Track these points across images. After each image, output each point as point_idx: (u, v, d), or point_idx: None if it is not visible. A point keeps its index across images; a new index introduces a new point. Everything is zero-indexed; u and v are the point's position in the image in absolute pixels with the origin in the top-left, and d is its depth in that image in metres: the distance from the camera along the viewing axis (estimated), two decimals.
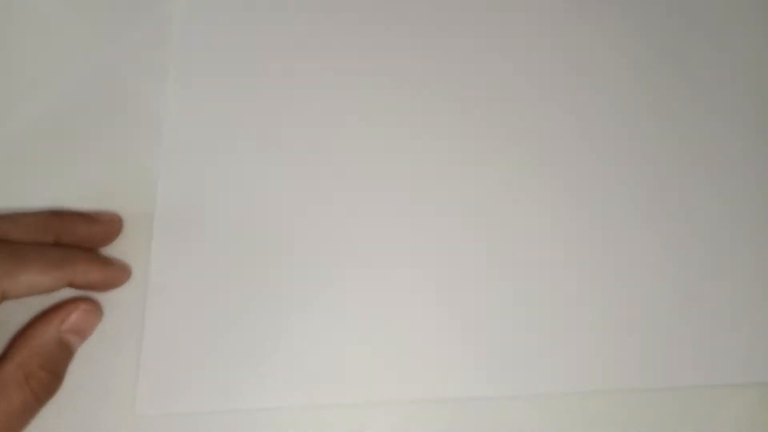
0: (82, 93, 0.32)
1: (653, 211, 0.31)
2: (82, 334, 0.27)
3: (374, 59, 0.32)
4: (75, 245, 0.28)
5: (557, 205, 0.31)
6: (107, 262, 0.28)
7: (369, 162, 0.31)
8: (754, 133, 0.32)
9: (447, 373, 0.28)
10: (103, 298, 0.28)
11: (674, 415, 0.28)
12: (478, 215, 0.30)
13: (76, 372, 0.27)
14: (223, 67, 0.32)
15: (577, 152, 0.31)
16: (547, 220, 0.30)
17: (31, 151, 0.31)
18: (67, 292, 0.27)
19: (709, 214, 0.31)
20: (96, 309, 0.28)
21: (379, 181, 0.30)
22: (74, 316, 0.27)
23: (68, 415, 0.27)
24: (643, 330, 0.29)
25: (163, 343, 0.28)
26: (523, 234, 0.30)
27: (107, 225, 0.29)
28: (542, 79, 0.32)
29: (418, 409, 0.28)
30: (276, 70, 0.32)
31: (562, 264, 0.30)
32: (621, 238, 0.30)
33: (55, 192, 0.30)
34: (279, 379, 0.28)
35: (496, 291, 0.29)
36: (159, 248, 0.29)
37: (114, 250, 0.29)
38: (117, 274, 0.28)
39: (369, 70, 0.32)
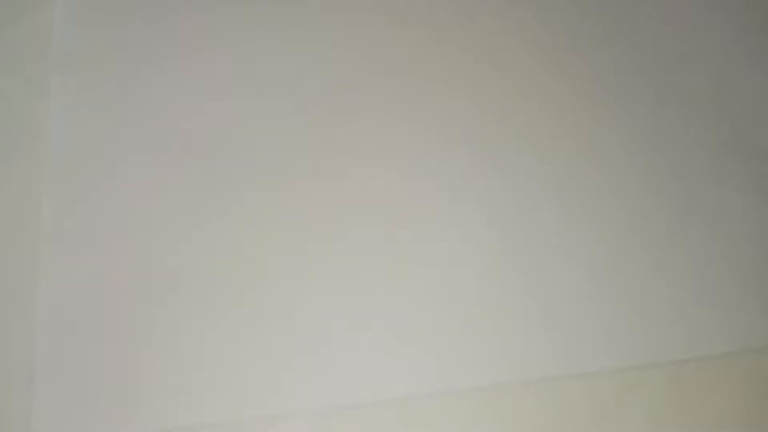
0: None
1: (560, 204, 0.31)
2: None
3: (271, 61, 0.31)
4: None
5: (464, 197, 0.30)
6: None
7: (276, 161, 0.30)
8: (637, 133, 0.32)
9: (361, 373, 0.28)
10: None
11: (584, 400, 0.28)
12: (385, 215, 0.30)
13: None
14: (106, 73, 0.31)
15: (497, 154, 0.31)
16: (454, 215, 0.30)
17: None
18: None
19: (609, 208, 0.31)
20: None
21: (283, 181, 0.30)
22: None
23: None
24: (549, 318, 0.29)
25: (56, 372, 0.27)
26: (426, 232, 0.30)
27: None
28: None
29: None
30: (162, 77, 0.31)
31: (467, 258, 0.29)
32: (528, 228, 0.30)
33: None
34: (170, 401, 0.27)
35: (398, 289, 0.29)
36: (47, 273, 0.28)
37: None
38: None
39: (263, 73, 0.31)
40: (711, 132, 0.32)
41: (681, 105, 0.32)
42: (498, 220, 0.30)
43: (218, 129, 0.30)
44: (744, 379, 0.28)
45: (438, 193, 0.30)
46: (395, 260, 0.29)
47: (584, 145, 0.31)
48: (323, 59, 0.31)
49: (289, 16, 0.31)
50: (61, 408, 0.26)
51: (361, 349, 0.28)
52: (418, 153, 0.30)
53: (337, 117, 0.30)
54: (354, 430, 0.27)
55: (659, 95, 0.32)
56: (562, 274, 0.30)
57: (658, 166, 0.31)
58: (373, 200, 0.30)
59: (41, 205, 0.28)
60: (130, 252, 0.28)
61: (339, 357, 0.28)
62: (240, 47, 0.31)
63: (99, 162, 0.29)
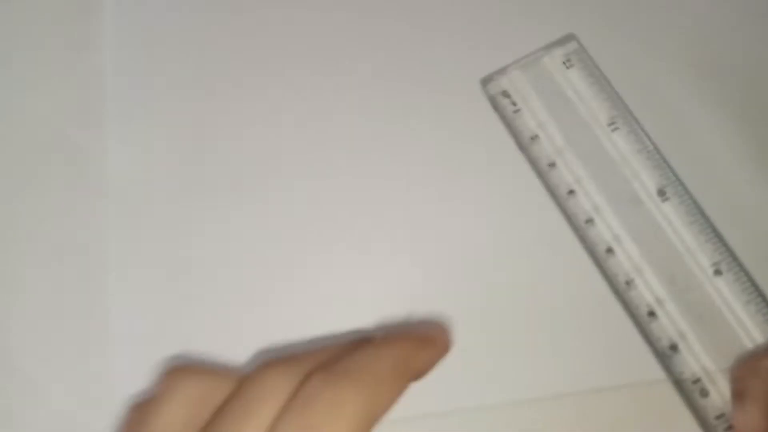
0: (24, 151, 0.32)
1: None
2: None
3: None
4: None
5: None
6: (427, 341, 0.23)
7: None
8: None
9: None
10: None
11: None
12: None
13: None
14: (162, 112, 0.32)
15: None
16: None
17: None
18: None
19: None
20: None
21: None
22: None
23: None
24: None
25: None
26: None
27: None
28: None
29: None
30: (220, 107, 0.32)
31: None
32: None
33: None
34: None
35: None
36: (118, 309, 0.29)
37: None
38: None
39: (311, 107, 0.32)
40: None
41: None
42: None
43: (266, 162, 0.31)
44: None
45: None
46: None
47: None
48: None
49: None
50: None
51: None
52: None
53: None
54: None
55: None
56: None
57: None
58: None
59: (105, 236, 0.30)
60: (189, 276, 0.30)
61: None
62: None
63: (155, 196, 0.31)
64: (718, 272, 0.27)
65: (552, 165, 0.29)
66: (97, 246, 0.30)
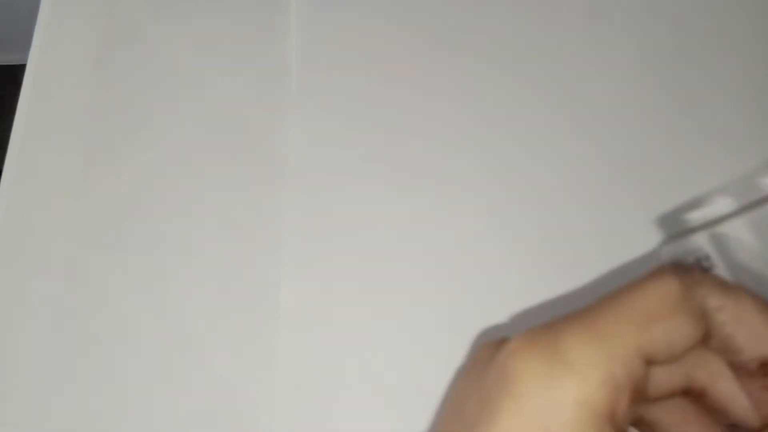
0: (206, 130, 0.33)
1: None
2: None
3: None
4: None
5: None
6: None
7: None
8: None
9: None
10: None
11: None
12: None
13: None
14: (343, 99, 0.33)
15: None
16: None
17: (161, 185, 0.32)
18: None
19: None
20: None
21: None
22: None
23: None
24: None
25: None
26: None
27: None
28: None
29: None
30: (398, 100, 0.33)
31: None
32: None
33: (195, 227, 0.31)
34: None
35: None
36: (288, 278, 0.30)
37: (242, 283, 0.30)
38: None
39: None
40: None
41: None
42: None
43: (441, 161, 0.32)
44: None
45: None
46: None
47: None
48: None
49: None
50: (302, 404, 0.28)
51: None
52: None
53: None
54: None
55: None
56: None
57: None
58: None
59: (282, 218, 0.31)
60: (355, 256, 0.30)
61: None
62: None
63: (331, 181, 0.32)
64: None
65: None
66: (274, 223, 0.31)
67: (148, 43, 0.35)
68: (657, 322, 0.18)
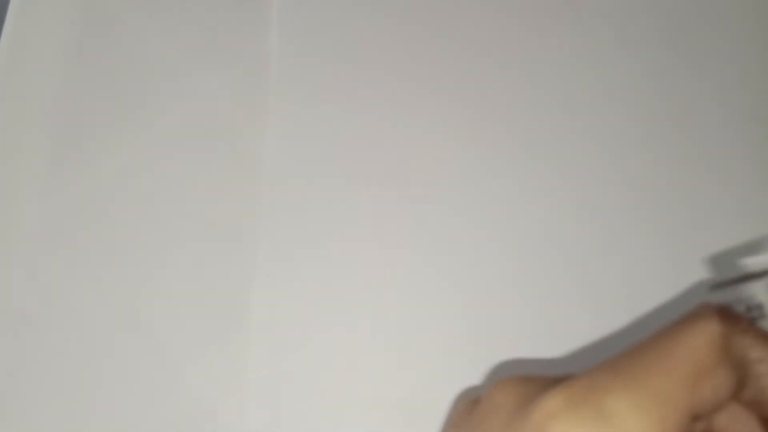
0: (180, 129, 0.32)
1: None
2: None
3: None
4: None
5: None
6: None
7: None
8: None
9: None
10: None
11: None
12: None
13: None
14: (323, 98, 0.32)
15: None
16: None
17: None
18: None
19: None
20: None
21: None
22: None
23: None
24: None
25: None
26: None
27: None
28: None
29: None
30: (379, 101, 0.32)
31: None
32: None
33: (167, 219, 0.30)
34: None
35: None
36: (261, 291, 0.29)
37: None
38: None
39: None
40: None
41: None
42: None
43: (421, 162, 0.31)
44: None
45: None
46: None
47: None
48: None
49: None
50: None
51: None
52: None
53: None
54: None
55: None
56: None
57: None
58: None
59: (257, 220, 0.30)
60: (333, 262, 0.29)
61: None
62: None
63: (309, 184, 0.31)
64: None
65: None
66: (248, 225, 0.30)
67: (124, 38, 0.34)
68: (705, 378, 0.17)
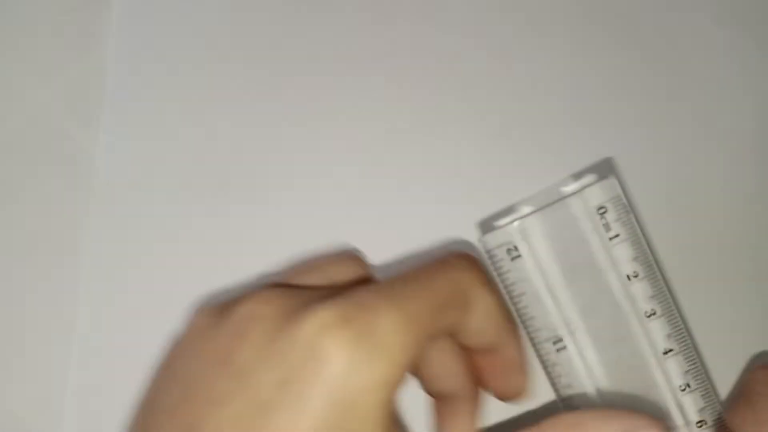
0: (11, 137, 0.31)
1: None
2: None
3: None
4: None
5: None
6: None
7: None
8: None
9: None
10: None
11: None
12: None
13: None
14: (162, 107, 0.31)
15: None
16: None
17: None
18: None
19: None
20: None
21: None
22: None
23: None
24: None
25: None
26: None
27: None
28: None
29: None
30: (221, 109, 0.31)
31: None
32: None
33: None
34: None
35: None
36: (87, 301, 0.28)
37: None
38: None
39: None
40: None
41: None
42: None
43: (264, 169, 0.31)
44: None
45: None
46: None
47: None
48: None
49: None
50: None
51: None
52: None
53: None
54: None
55: None
56: None
57: None
58: None
59: (83, 226, 0.29)
60: (159, 274, 0.29)
61: None
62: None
63: (143, 197, 0.30)
64: None
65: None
66: (74, 244, 0.29)
67: None
68: (449, 310, 0.20)
